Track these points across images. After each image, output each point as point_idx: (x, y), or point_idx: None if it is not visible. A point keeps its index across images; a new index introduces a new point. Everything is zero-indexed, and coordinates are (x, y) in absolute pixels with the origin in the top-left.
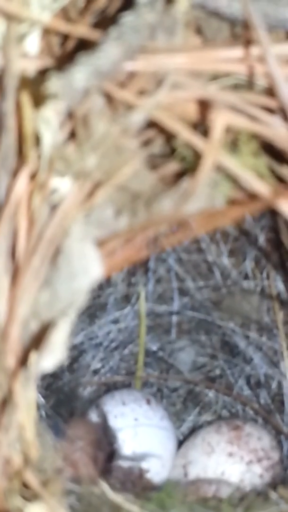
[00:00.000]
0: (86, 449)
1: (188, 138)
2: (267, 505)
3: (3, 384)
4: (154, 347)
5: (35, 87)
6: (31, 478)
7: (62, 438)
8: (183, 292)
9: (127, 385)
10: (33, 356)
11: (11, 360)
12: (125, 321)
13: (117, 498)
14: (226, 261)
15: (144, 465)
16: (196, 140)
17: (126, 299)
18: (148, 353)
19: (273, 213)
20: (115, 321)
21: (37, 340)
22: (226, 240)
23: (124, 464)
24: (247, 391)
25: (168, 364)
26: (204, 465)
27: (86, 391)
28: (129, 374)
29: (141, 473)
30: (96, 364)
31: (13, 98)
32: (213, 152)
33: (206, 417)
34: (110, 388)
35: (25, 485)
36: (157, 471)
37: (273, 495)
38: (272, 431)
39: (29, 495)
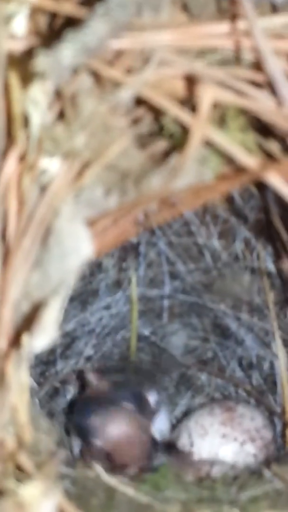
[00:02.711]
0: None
1: (176, 114)
2: (260, 483)
3: None
4: (146, 332)
5: (23, 67)
6: (25, 461)
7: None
8: (174, 275)
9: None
10: (25, 338)
11: (3, 342)
12: (117, 307)
13: (111, 480)
14: (216, 243)
15: None
16: (184, 115)
17: (118, 284)
18: (140, 338)
19: (262, 193)
20: (107, 307)
21: (29, 321)
22: (216, 222)
23: None
24: (239, 373)
25: (160, 348)
26: (198, 447)
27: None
28: (122, 359)
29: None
30: (89, 351)
31: (2, 79)
32: (201, 127)
33: (199, 400)
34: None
35: (19, 468)
36: None
37: (266, 473)
38: (265, 412)
39: (23, 477)
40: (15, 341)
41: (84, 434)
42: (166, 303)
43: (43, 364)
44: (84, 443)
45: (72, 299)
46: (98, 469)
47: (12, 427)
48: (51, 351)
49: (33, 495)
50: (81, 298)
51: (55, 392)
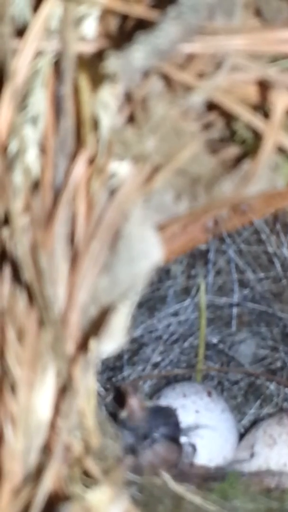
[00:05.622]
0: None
1: (249, 120)
2: None
3: (63, 371)
4: (214, 340)
5: (92, 70)
6: (92, 466)
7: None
8: (243, 284)
9: (187, 378)
10: (93, 342)
11: (70, 346)
12: (185, 314)
13: (179, 488)
14: (286, 252)
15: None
16: (256, 121)
17: (186, 291)
18: (208, 345)
19: None
20: (175, 314)
21: (97, 326)
22: (286, 231)
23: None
24: None
25: (228, 356)
26: (266, 457)
27: (146, 385)
28: (189, 367)
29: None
30: (156, 357)
31: (71, 81)
32: (274, 133)
33: (268, 409)
34: (170, 381)
35: (85, 473)
36: (218, 463)
37: None
38: None
39: (90, 483)
40: (83, 346)
41: None
42: (235, 311)
43: (110, 370)
44: None
45: (139, 305)
46: (166, 477)
47: (79, 432)
48: (118, 357)
49: (101, 500)
50: (149, 304)
51: None
